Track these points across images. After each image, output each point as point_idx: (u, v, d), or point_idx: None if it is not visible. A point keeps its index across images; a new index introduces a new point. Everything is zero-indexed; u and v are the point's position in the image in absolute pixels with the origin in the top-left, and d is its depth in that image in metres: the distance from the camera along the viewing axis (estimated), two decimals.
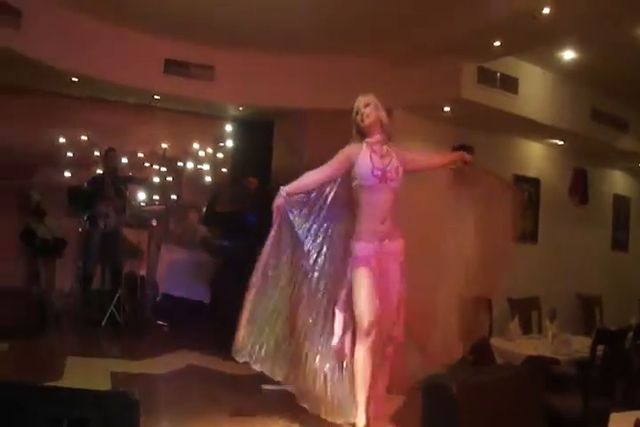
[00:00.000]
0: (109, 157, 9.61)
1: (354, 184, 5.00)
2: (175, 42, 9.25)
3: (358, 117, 5.08)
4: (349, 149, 5.09)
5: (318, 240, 5.09)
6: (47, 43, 8.30)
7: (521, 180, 10.82)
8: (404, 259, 5.14)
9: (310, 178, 5.09)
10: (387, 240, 5.01)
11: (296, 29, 8.37)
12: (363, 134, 5.10)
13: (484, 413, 3.79)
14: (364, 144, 5.05)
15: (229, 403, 5.56)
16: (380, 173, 4.91)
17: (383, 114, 5.13)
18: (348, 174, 5.04)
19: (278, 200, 4.94)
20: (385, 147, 5.06)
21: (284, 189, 4.95)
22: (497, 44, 7.76)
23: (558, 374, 5.62)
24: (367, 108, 5.07)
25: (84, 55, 8.74)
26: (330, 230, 5.13)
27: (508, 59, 8.70)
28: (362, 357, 4.88)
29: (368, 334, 4.84)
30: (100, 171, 9.83)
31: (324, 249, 5.09)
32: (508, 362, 6.06)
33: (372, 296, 4.84)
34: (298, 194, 5.02)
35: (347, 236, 5.09)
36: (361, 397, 4.90)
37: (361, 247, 4.94)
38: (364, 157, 4.97)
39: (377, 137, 5.06)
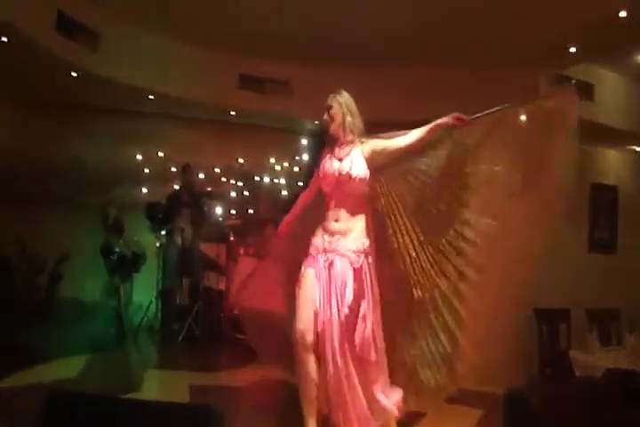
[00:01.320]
0: (186, 173, 9.71)
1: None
2: (250, 58, 9.37)
3: (324, 121, 4.88)
4: (321, 158, 4.91)
5: None
6: (123, 63, 8.51)
7: (599, 188, 10.64)
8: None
9: (299, 204, 5.04)
10: (336, 236, 4.61)
11: (372, 43, 8.39)
12: (332, 139, 4.86)
13: (564, 426, 3.74)
14: (327, 149, 4.86)
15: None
16: (335, 173, 4.68)
17: (351, 113, 4.91)
18: None
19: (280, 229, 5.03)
20: (347, 148, 4.78)
21: (285, 221, 4.99)
22: (573, 50, 7.67)
23: (638, 387, 5.51)
24: (330, 110, 4.86)
25: (160, 73, 8.91)
26: None
27: (583, 65, 8.59)
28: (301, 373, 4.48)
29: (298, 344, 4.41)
30: (177, 186, 9.95)
31: None
32: (587, 375, 5.96)
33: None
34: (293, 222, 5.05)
35: None
36: (307, 420, 4.45)
37: (314, 241, 4.67)
38: (324, 160, 4.80)
39: (342, 140, 4.81)
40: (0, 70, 8.43)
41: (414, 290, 4.75)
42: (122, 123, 10.19)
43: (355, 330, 4.34)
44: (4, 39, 7.02)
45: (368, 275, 4.52)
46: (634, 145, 10.76)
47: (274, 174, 11.43)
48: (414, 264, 4.76)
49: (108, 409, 2.56)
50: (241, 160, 11.18)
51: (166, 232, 9.38)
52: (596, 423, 3.89)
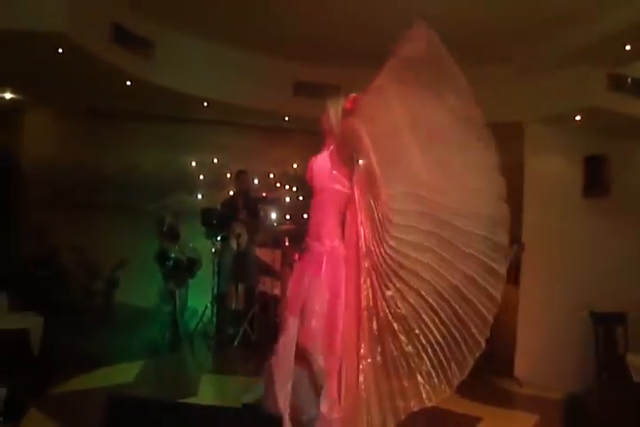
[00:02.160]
0: (240, 179, 9.77)
1: None
2: (303, 64, 9.40)
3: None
4: None
5: None
6: (178, 70, 8.59)
7: None
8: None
9: None
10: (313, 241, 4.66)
11: None
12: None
13: None
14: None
15: None
16: (310, 180, 4.81)
17: (336, 118, 4.92)
18: None
19: None
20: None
21: None
22: (628, 48, 7.55)
23: None
24: (322, 117, 4.98)
25: (214, 80, 8.98)
26: None
27: (637, 63, 8.45)
28: None
29: None
30: (232, 192, 10.02)
31: None
32: None
33: None
34: None
35: None
36: None
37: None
38: None
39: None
40: (57, 81, 8.58)
41: None
42: (177, 130, 10.31)
43: None
44: (60, 50, 7.12)
45: None
46: None
47: None
48: None
49: (166, 414, 2.60)
50: (295, 165, 11.23)
51: (221, 238, 9.42)
52: None
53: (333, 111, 4.95)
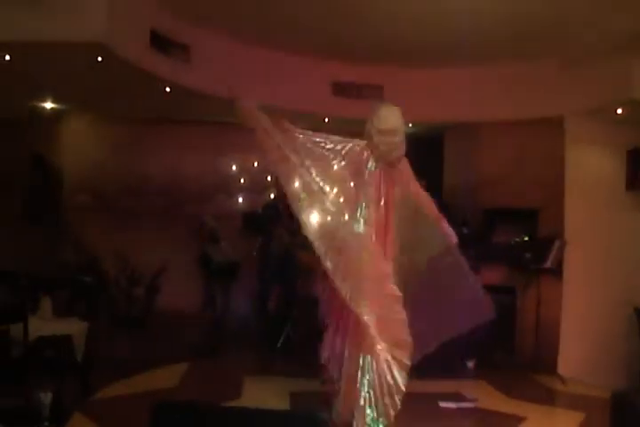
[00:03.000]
0: (279, 182, 9.79)
1: None
2: (342, 64, 9.38)
3: (384, 144, 5.33)
4: None
5: None
6: (215, 74, 8.59)
7: None
8: None
9: None
10: None
11: (460, 41, 8.29)
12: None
13: None
14: None
15: (406, 422, 5.52)
16: None
17: None
18: None
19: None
20: None
21: None
22: None
23: None
24: (397, 137, 5.32)
25: (253, 83, 8.97)
26: None
27: None
28: None
29: None
30: (272, 195, 10.02)
31: None
32: None
33: None
34: None
35: None
36: None
37: None
38: None
39: None
40: (97, 89, 8.63)
41: None
42: (217, 133, 10.32)
43: None
44: (99, 59, 7.16)
45: None
46: None
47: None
48: None
49: (210, 417, 2.58)
50: (335, 166, 11.18)
51: (262, 241, 9.44)
52: None
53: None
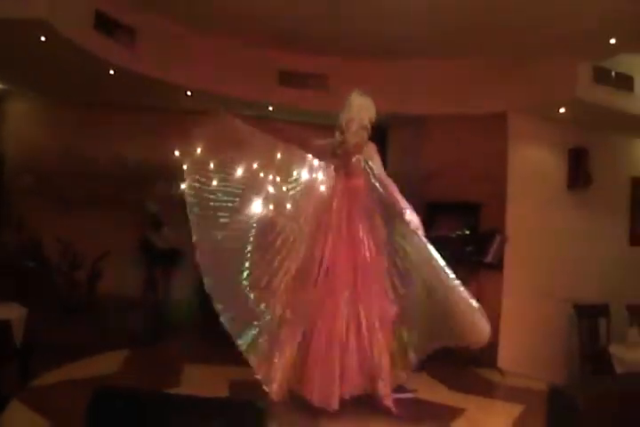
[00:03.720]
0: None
1: None
2: (288, 53, 9.36)
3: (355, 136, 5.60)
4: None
5: None
6: (161, 59, 8.54)
7: (638, 181, 10.53)
8: None
9: None
10: None
11: (408, 35, 8.34)
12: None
13: (608, 423, 3.72)
14: None
15: (348, 408, 5.58)
16: None
17: None
18: None
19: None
20: None
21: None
22: (612, 41, 7.59)
23: None
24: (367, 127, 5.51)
25: (198, 69, 8.93)
26: None
27: (622, 56, 8.49)
28: None
29: None
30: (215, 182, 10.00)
31: None
32: (628, 371, 5.92)
33: None
34: None
35: None
36: None
37: None
38: None
39: None
40: (40, 69, 8.51)
41: None
42: (161, 119, 10.25)
43: None
44: (43, 38, 7.07)
45: None
46: None
47: (312, 169, 11.41)
48: None
49: (150, 404, 2.59)
50: (279, 155, 11.18)
51: None
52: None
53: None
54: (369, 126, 5.38)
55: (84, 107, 10.02)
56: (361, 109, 5.25)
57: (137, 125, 10.14)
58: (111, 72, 8.37)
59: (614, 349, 6.40)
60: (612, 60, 8.49)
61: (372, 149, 5.66)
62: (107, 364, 6.92)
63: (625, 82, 8.79)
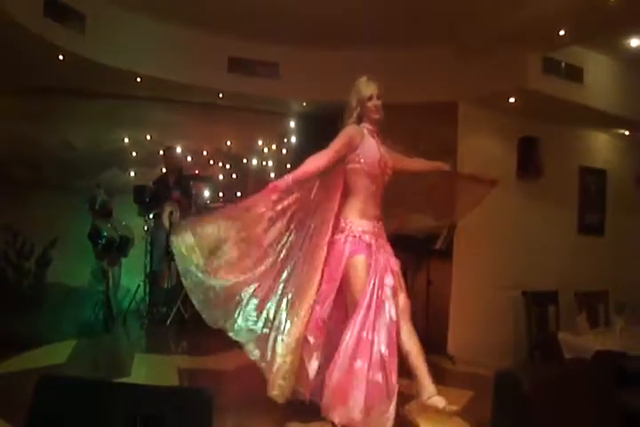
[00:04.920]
0: (167, 156, 9.76)
1: (352, 167, 5.02)
2: (239, 40, 9.31)
3: (371, 105, 5.10)
4: (352, 132, 5.07)
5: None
6: (111, 45, 8.45)
7: (587, 171, 10.68)
8: None
9: (314, 165, 4.96)
10: (379, 222, 5.07)
11: (359, 23, 8.35)
12: (361, 120, 5.15)
13: (554, 408, 3.75)
14: (365, 130, 5.10)
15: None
16: (383, 164, 5.05)
17: None
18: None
19: (281, 184, 4.82)
20: (377, 137, 5.15)
21: (289, 177, 4.82)
22: (562, 33, 7.65)
23: (628, 368, 5.53)
24: (380, 100, 5.12)
25: (148, 56, 8.86)
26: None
27: (572, 48, 8.57)
28: None
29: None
30: (164, 170, 9.94)
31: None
32: (576, 357, 5.99)
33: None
34: (301, 183, 5.01)
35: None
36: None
37: (362, 224, 4.97)
38: (370, 144, 5.04)
39: (374, 128, 5.13)
40: None
41: None
42: (111, 106, 10.14)
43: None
44: None
45: None
46: (622, 129, 10.76)
47: (262, 157, 11.42)
48: None
49: (97, 393, 2.56)
50: (229, 143, 11.16)
51: (154, 216, 9.35)
52: (586, 405, 3.90)
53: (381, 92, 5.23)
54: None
55: (32, 92, 9.84)
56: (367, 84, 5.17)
57: (86, 112, 10.01)
58: (60, 57, 8.24)
59: (563, 335, 6.47)
60: (563, 52, 8.57)
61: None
62: (55, 354, 6.86)
63: (575, 73, 8.89)
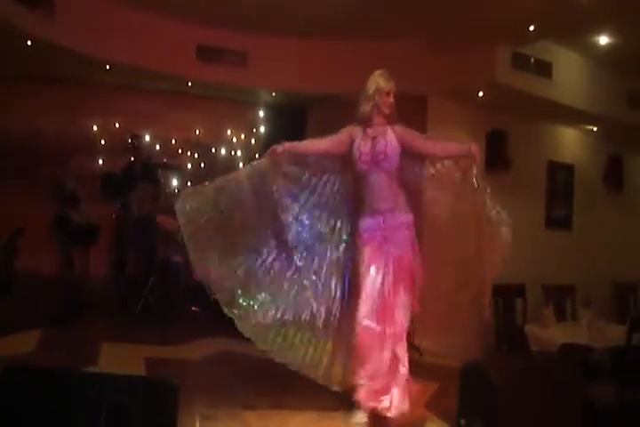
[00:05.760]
0: (133, 144, 9.69)
1: (353, 167, 5.06)
2: (207, 28, 9.29)
3: (385, 100, 5.04)
4: (351, 130, 5.09)
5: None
6: (80, 32, 8.39)
7: (555, 166, 10.76)
8: (413, 233, 5.23)
9: (314, 145, 5.12)
10: (389, 216, 5.02)
11: (330, 13, 8.35)
12: (369, 117, 5.07)
13: (520, 398, 3.79)
14: (360, 128, 5.07)
15: (262, 387, 5.59)
16: (367, 158, 4.94)
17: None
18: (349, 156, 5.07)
19: (277, 147, 4.90)
20: (380, 128, 5.04)
21: (284, 144, 4.91)
22: (532, 28, 7.69)
23: (593, 361, 5.59)
24: (390, 97, 5.05)
25: (117, 43, 8.80)
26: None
27: (542, 43, 8.64)
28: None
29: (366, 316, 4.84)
30: (133, 158, 9.87)
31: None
32: (542, 350, 6.04)
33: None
34: (296, 154, 5.05)
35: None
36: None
37: (364, 223, 5.02)
38: (357, 142, 5.01)
39: (377, 120, 5.06)
40: None
41: None
42: (78, 93, 10.04)
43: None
44: None
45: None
46: (590, 124, 10.86)
47: (230, 146, 11.37)
48: None
49: (63, 382, 2.54)
50: (198, 132, 11.11)
51: (122, 204, 9.29)
52: (552, 396, 3.94)
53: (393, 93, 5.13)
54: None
55: None
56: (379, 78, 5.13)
57: (55, 98, 9.91)
58: (28, 43, 8.16)
59: (529, 328, 6.52)
60: (532, 47, 8.64)
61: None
62: (23, 343, 6.81)
63: (544, 68, 8.97)
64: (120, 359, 6.57)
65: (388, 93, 5.04)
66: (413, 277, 5.21)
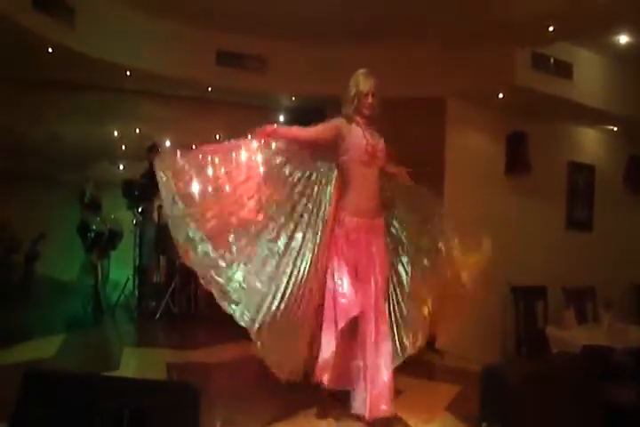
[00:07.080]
0: (152, 153, 9.72)
1: (343, 159, 4.98)
2: (227, 34, 9.30)
3: (365, 102, 5.01)
4: (339, 123, 5.02)
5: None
6: (100, 38, 8.41)
7: (576, 167, 10.70)
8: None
9: (304, 131, 5.05)
10: (373, 217, 4.99)
11: (348, 17, 8.34)
12: (352, 119, 5.03)
13: (541, 401, 3.77)
14: (354, 123, 5.02)
15: (285, 392, 5.59)
16: (371, 149, 4.93)
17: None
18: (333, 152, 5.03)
19: (267, 127, 4.92)
20: (371, 127, 5.07)
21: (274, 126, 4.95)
22: (551, 28, 7.66)
23: (614, 363, 5.56)
24: (374, 98, 5.02)
25: (137, 49, 8.83)
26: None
27: (561, 44, 8.59)
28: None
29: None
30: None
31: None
32: (563, 352, 6.02)
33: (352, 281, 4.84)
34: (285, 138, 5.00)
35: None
36: None
37: (348, 221, 4.90)
38: (356, 133, 4.97)
39: (360, 121, 5.04)
40: None
41: None
42: (99, 99, 10.08)
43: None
44: None
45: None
46: (611, 124, 10.78)
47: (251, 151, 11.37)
48: None
49: (84, 387, 2.55)
50: (218, 137, 11.13)
51: (143, 210, 9.33)
52: (573, 399, 3.92)
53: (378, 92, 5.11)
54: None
55: (21, 85, 9.79)
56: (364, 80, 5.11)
57: (76, 105, 9.96)
58: (49, 50, 8.22)
59: (550, 330, 6.51)
60: (552, 48, 8.59)
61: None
62: (44, 348, 6.84)
63: (564, 69, 8.91)
64: (141, 364, 6.61)
65: (367, 95, 5.00)
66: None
